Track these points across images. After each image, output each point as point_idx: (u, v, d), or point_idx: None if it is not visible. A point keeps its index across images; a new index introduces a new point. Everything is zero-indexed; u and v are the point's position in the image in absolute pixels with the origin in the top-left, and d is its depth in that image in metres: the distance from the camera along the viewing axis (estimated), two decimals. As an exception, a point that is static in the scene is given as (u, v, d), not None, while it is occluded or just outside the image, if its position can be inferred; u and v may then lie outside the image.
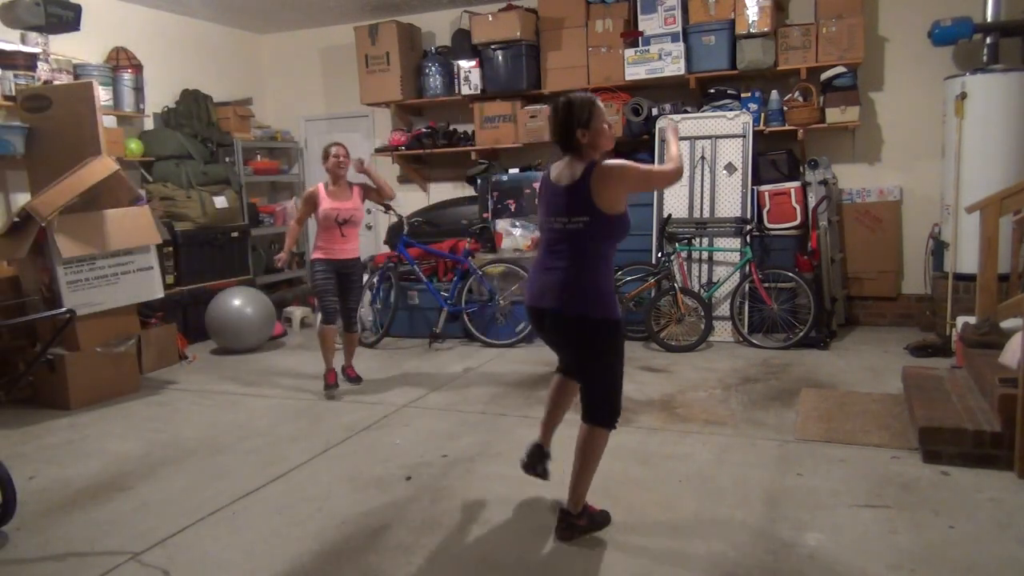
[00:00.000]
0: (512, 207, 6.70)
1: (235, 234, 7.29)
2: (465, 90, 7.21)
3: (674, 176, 2.93)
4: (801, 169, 6.38)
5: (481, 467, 3.72)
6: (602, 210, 2.75)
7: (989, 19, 5.70)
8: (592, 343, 2.82)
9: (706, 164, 6.33)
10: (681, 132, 6.37)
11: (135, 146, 6.81)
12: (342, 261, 5.11)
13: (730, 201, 6.24)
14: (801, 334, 5.75)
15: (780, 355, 5.65)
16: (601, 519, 3.04)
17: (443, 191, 8.02)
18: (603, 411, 2.89)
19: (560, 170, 2.89)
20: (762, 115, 6.40)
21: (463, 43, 7.19)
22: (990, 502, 3.13)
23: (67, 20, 5.95)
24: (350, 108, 8.24)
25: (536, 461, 3.20)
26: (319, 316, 5.31)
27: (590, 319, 2.79)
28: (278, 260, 5.25)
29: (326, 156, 5.11)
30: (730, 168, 6.28)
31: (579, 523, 2.97)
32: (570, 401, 3.21)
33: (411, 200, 8.05)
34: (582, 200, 2.76)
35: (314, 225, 5.20)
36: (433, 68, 7.35)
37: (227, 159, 7.55)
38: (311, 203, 5.07)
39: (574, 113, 2.78)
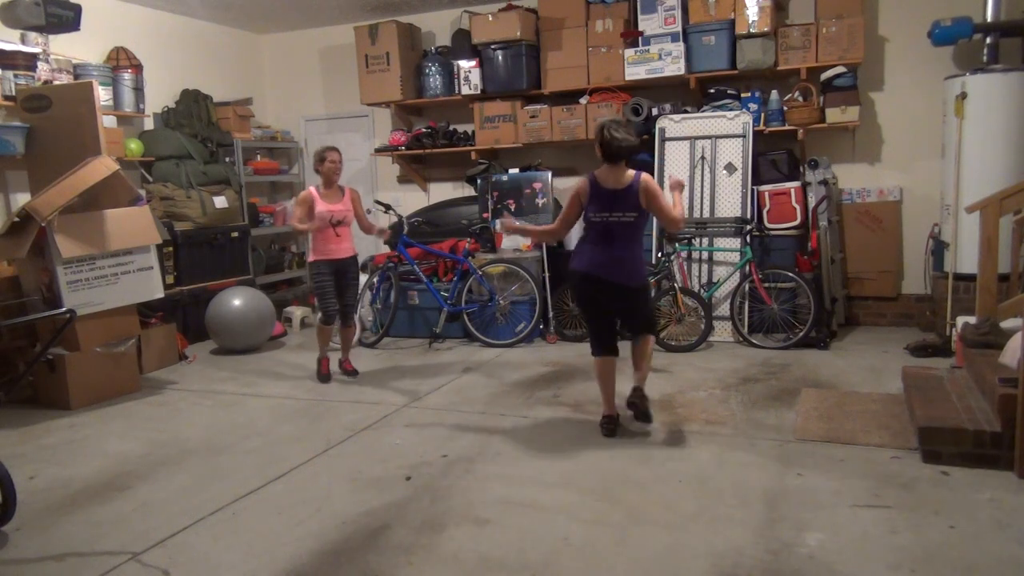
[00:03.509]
0: (512, 207, 6.70)
1: (235, 234, 7.28)
2: (465, 90, 7.21)
3: (677, 223, 4.01)
4: (801, 169, 6.38)
5: (481, 467, 3.72)
6: (642, 208, 3.91)
7: (989, 19, 5.70)
8: (642, 296, 4.14)
9: (706, 164, 6.33)
10: (681, 132, 6.43)
11: (135, 146, 6.81)
12: (340, 260, 5.34)
13: (730, 201, 6.24)
14: (801, 334, 5.75)
15: (780, 355, 5.65)
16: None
17: (443, 191, 8.02)
18: (652, 327, 4.30)
19: (606, 176, 3.91)
20: (762, 115, 6.40)
21: (463, 43, 7.19)
22: (990, 502, 3.13)
23: (67, 20, 5.95)
24: (350, 108, 8.24)
25: (615, 430, 4.10)
26: (319, 316, 5.50)
27: (642, 284, 4.09)
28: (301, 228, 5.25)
29: (321, 160, 5.25)
30: (730, 168, 6.28)
31: (647, 396, 4.14)
32: (615, 371, 4.21)
33: (411, 200, 8.05)
34: (633, 201, 3.87)
35: None
36: (433, 68, 7.35)
37: (227, 159, 7.54)
38: (306, 205, 5.23)
39: (630, 142, 3.84)
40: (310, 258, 5.35)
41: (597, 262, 3.94)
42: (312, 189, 5.28)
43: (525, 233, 4.27)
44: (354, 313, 5.61)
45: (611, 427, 4.10)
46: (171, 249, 6.62)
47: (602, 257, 3.95)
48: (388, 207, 6.69)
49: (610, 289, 3.97)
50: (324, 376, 5.47)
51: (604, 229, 3.92)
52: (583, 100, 6.83)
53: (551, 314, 6.44)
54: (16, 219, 4.94)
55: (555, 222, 4.15)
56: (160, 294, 5.58)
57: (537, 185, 6.68)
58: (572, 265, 4.07)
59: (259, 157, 8.14)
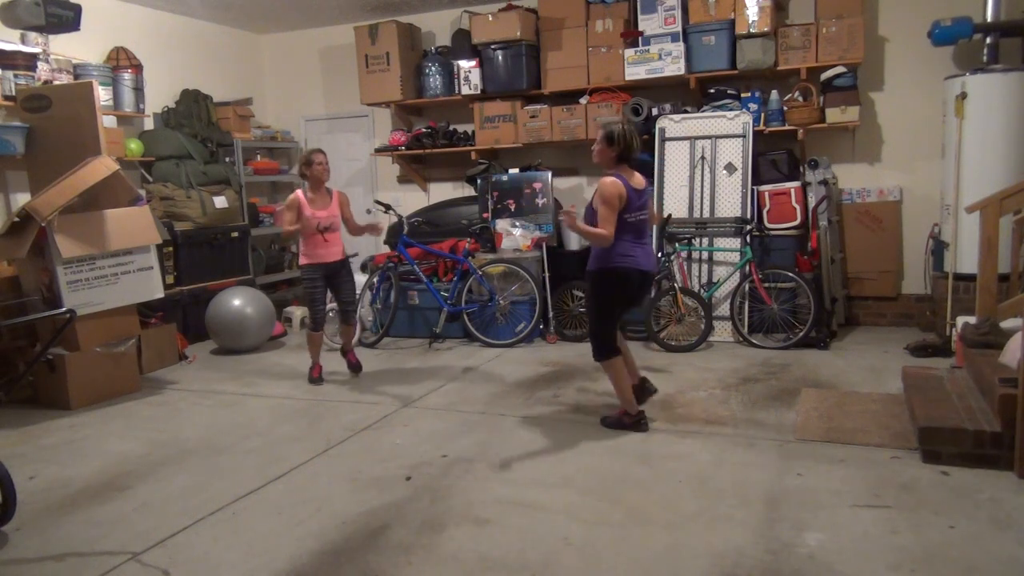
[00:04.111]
0: (512, 207, 6.70)
1: (235, 234, 7.28)
2: (465, 90, 7.21)
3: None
4: (801, 169, 6.38)
5: (481, 467, 3.72)
6: None
7: (989, 19, 5.70)
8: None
9: (706, 164, 6.33)
10: (681, 132, 6.43)
11: (135, 146, 6.81)
12: (330, 264, 5.30)
13: (730, 201, 6.25)
14: (801, 334, 5.75)
15: (780, 355, 5.64)
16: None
17: (443, 191, 8.02)
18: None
19: (628, 178, 4.05)
20: (762, 115, 6.40)
21: (463, 43, 7.19)
22: (990, 502, 3.13)
23: (67, 20, 5.95)
24: (350, 108, 8.24)
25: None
26: (308, 323, 5.50)
27: None
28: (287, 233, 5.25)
29: (308, 164, 5.22)
30: (730, 168, 6.28)
31: None
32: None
33: (411, 200, 8.05)
34: (647, 201, 4.18)
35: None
36: (433, 68, 7.35)
37: (227, 159, 7.54)
38: (295, 210, 5.18)
39: (639, 139, 4.13)
40: (300, 261, 5.31)
41: (644, 259, 4.15)
42: (299, 193, 5.21)
43: (582, 232, 4.03)
44: (353, 311, 5.56)
45: (646, 419, 4.22)
46: (171, 249, 6.63)
47: (646, 252, 4.19)
48: (388, 207, 6.69)
49: (648, 279, 4.26)
50: (316, 380, 5.43)
51: (639, 226, 4.13)
52: (583, 100, 6.83)
53: (551, 314, 6.44)
54: (16, 219, 4.94)
55: (605, 229, 3.92)
56: (160, 294, 5.58)
57: (537, 185, 6.68)
58: (627, 264, 4.04)
59: (259, 157, 8.14)
